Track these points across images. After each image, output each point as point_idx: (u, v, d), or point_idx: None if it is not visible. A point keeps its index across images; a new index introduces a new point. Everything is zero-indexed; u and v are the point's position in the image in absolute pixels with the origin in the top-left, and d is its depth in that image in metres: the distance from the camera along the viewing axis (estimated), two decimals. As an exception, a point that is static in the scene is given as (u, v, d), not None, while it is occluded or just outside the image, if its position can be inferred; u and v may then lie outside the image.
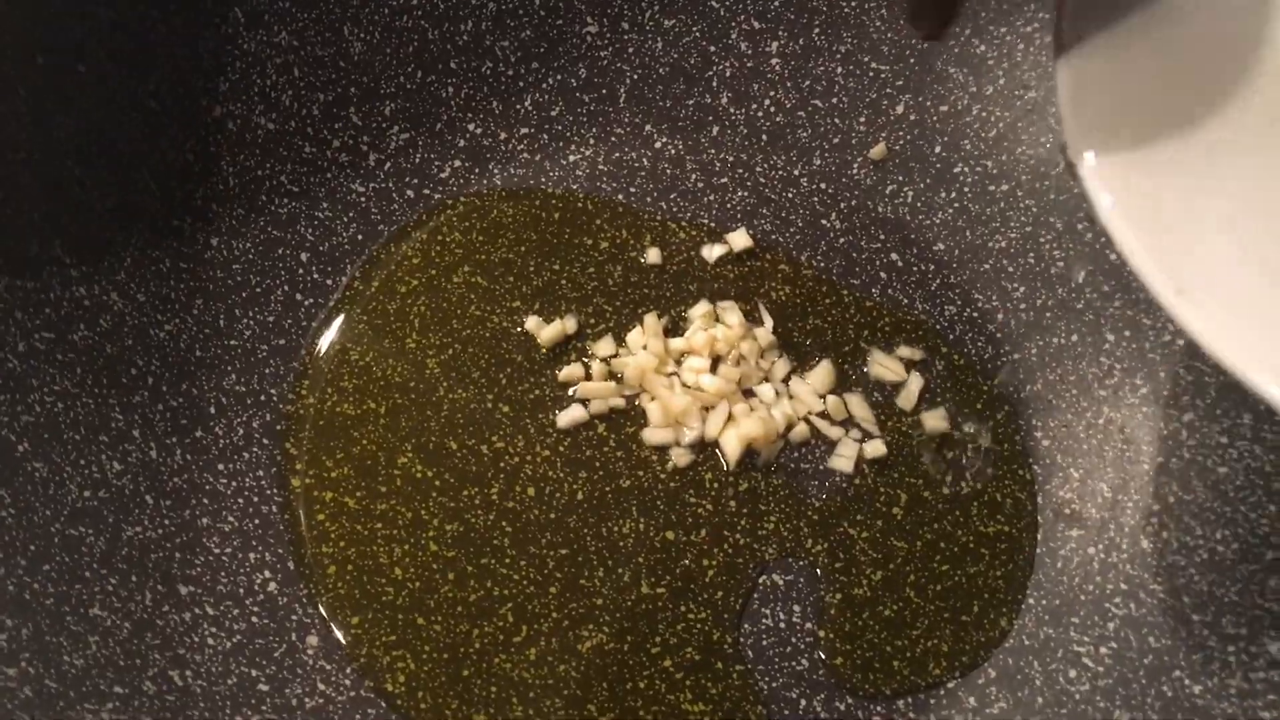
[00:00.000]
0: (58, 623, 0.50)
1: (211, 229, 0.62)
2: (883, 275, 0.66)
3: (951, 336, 0.64)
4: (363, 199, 0.66)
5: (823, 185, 0.68)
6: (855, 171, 0.68)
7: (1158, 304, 0.58)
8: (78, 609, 0.51)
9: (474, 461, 0.60)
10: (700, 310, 0.64)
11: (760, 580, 0.58)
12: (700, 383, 0.61)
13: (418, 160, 0.67)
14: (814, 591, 0.58)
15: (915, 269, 0.66)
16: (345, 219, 0.65)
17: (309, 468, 0.59)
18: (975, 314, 0.64)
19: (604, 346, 0.63)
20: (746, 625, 0.57)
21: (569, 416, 0.61)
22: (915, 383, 0.63)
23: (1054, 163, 0.64)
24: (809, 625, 0.57)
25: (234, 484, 0.58)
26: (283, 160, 0.64)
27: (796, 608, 0.58)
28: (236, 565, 0.56)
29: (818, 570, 0.58)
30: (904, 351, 0.63)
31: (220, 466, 0.58)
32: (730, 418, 0.61)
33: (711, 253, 0.66)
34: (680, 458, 0.60)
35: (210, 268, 0.61)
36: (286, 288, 0.63)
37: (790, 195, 0.68)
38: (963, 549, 0.59)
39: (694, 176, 0.68)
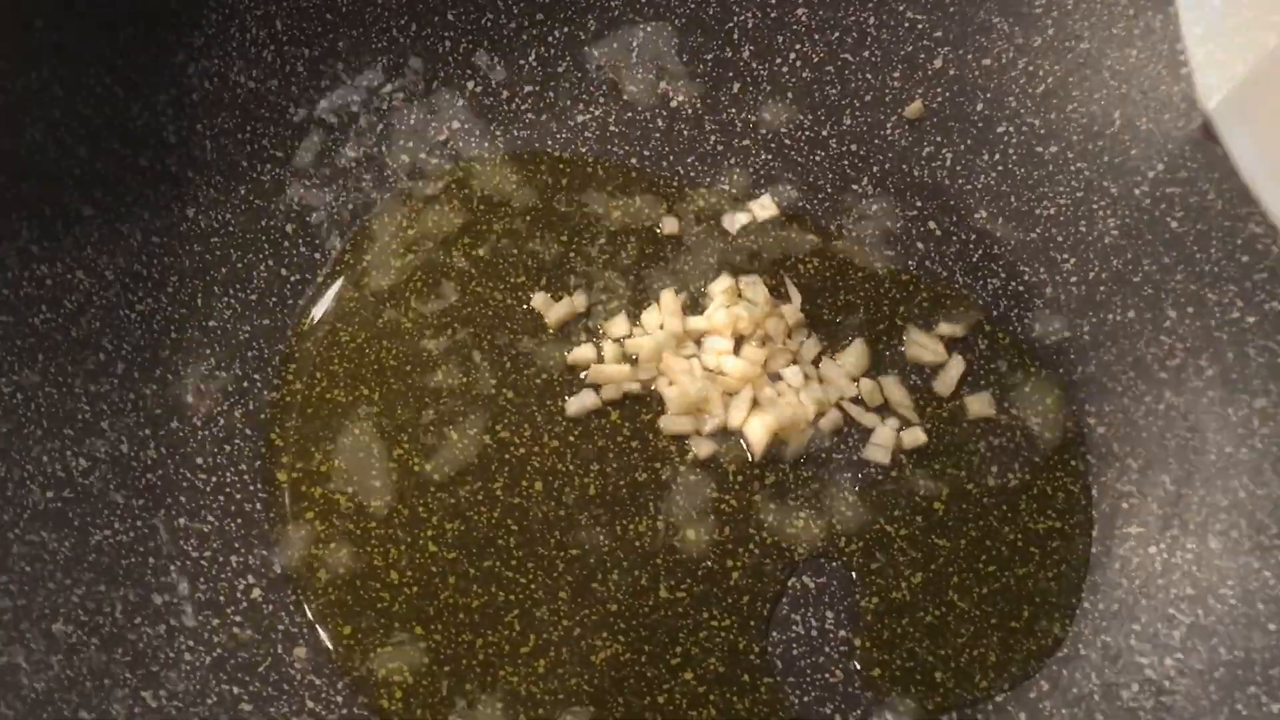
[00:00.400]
0: (16, 641, 0.48)
1: (188, 199, 0.60)
2: (920, 246, 0.64)
3: (995, 313, 0.62)
4: (353, 165, 0.64)
5: (854, 147, 0.66)
6: (889, 132, 0.65)
7: (1225, 278, 0.56)
8: (39, 624, 0.49)
9: (476, 453, 0.58)
10: (721, 285, 0.62)
11: (789, 583, 0.56)
12: (722, 365, 0.60)
13: (413, 122, 0.65)
14: (848, 595, 0.56)
15: (955, 238, 0.63)
16: (334, 187, 0.64)
17: (296, 461, 0.58)
18: (1021, 288, 0.62)
19: (617, 326, 0.61)
20: (775, 633, 0.55)
21: (579, 403, 0.59)
22: (956, 364, 0.61)
23: (1108, 121, 0.61)
24: (843, 633, 0.55)
25: (214, 480, 0.56)
26: (265, 122, 0.62)
27: (829, 613, 0.55)
28: (217, 570, 0.55)
29: (852, 572, 0.56)
30: (944, 329, 0.62)
31: (198, 461, 0.57)
32: (755, 404, 0.59)
33: (733, 222, 0.64)
34: (701, 448, 0.58)
35: (186, 241, 0.60)
36: (270, 263, 0.61)
37: (818, 158, 0.65)
38: (1011, 548, 0.57)
39: (713, 138, 0.66)
